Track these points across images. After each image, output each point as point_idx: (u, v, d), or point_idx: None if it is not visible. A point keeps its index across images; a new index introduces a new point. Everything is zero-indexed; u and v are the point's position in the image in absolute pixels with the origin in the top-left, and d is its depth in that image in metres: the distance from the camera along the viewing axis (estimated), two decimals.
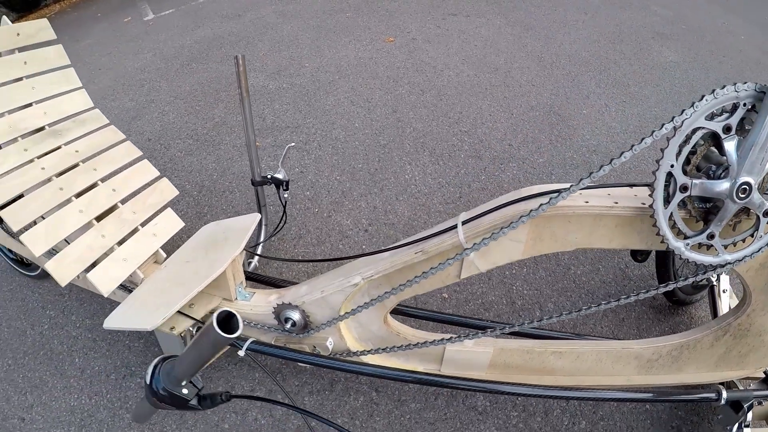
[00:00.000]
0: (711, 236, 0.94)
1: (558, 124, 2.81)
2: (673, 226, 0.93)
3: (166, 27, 4.60)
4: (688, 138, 0.88)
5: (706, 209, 0.94)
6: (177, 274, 1.42)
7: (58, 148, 1.53)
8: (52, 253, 1.36)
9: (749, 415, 1.24)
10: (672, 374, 1.25)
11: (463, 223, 1.07)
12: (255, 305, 1.39)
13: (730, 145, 0.87)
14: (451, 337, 1.19)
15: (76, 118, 1.63)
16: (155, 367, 0.83)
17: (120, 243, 1.47)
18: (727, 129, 0.87)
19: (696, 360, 1.22)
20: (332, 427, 0.97)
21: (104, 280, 1.38)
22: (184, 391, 0.82)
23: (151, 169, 1.67)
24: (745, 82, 0.84)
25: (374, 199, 2.32)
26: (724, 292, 1.54)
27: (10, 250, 1.98)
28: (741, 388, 1.26)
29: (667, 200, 0.91)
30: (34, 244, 1.32)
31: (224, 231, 1.53)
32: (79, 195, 1.48)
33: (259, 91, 3.24)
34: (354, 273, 1.20)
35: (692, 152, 0.89)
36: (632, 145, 0.88)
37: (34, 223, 1.37)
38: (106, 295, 1.38)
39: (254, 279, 1.64)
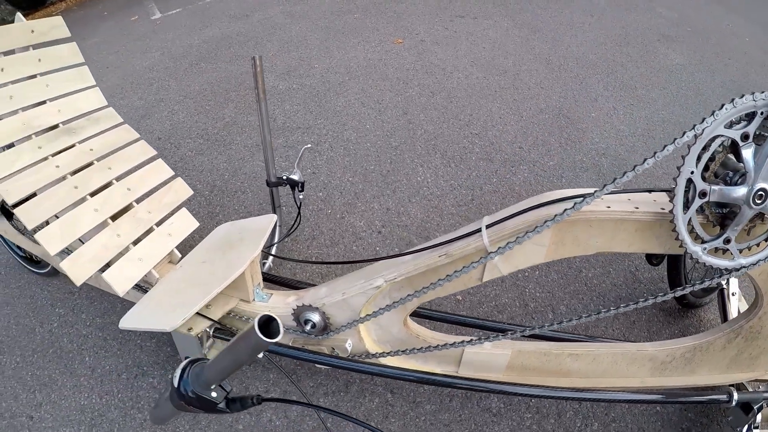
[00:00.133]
0: (727, 241, 0.96)
1: (567, 127, 2.81)
2: (691, 230, 0.95)
3: (174, 26, 4.60)
4: (707, 145, 0.90)
5: (723, 214, 0.97)
6: (193, 274, 1.42)
7: (73, 146, 1.53)
8: (65, 251, 1.35)
9: (758, 417, 1.25)
10: (685, 376, 1.26)
11: (487, 227, 1.08)
12: (273, 307, 1.39)
13: (747, 153, 0.89)
14: (471, 339, 1.20)
15: (90, 116, 1.63)
16: (183, 369, 0.82)
17: (135, 242, 1.46)
18: (744, 137, 0.89)
19: (708, 362, 1.23)
20: (367, 428, 0.97)
21: (119, 280, 1.37)
22: (213, 394, 0.81)
23: (165, 169, 1.67)
24: (763, 91, 0.86)
25: (387, 201, 2.32)
26: (733, 294, 1.56)
27: (19, 247, 1.96)
28: (750, 390, 1.27)
29: (686, 206, 0.93)
30: (49, 243, 1.31)
31: (240, 232, 1.52)
32: (93, 194, 1.47)
33: (269, 92, 3.24)
34: (376, 276, 1.20)
35: (711, 159, 0.92)
36: (654, 152, 0.89)
37: (47, 222, 1.36)
38: (121, 295, 1.37)
39: (270, 280, 1.63)
